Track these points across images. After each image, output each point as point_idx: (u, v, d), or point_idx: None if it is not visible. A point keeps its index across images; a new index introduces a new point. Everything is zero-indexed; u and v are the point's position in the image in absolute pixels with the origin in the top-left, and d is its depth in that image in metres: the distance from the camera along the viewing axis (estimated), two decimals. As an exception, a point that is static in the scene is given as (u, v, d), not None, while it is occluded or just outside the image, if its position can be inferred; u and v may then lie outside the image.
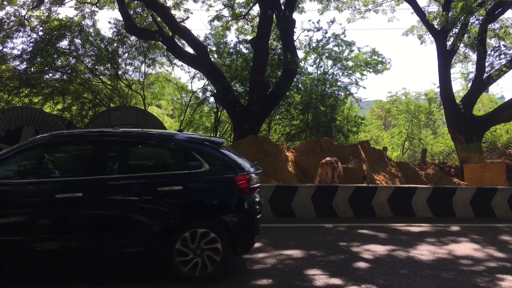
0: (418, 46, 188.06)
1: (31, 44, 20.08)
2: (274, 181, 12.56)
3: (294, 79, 19.04)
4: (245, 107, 17.00)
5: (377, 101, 33.69)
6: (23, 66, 20.00)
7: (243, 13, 21.23)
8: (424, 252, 6.46)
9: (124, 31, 19.55)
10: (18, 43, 42.12)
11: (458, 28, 17.07)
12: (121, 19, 18.47)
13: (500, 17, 18.26)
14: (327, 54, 21.60)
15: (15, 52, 20.68)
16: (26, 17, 20.07)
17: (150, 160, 5.90)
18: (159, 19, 17.99)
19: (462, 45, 18.92)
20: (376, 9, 21.96)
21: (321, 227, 8.36)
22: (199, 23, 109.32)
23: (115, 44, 21.25)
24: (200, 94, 22.79)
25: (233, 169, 5.34)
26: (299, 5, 20.53)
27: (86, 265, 5.27)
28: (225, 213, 5.22)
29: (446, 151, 26.99)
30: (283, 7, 17.59)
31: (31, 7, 19.93)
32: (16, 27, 19.91)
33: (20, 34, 20.16)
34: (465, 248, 6.80)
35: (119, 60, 21.61)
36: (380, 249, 6.54)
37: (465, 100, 18.13)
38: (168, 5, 18.66)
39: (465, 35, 17.50)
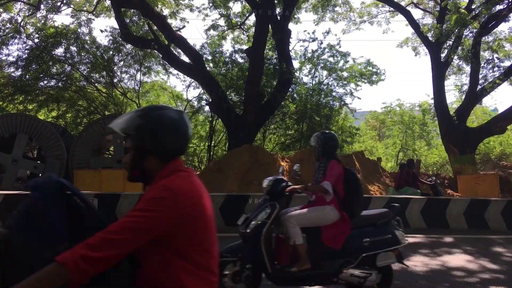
0: (413, 57, 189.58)
1: (26, 51, 20.07)
2: (269, 191, 12.54)
3: (289, 89, 19.10)
4: (240, 116, 17.02)
5: (372, 112, 33.84)
6: (18, 73, 19.96)
7: (239, 23, 21.34)
8: (418, 263, 6.45)
9: (120, 39, 19.58)
10: (14, 50, 42.20)
11: (452, 40, 17.22)
12: (117, 27, 18.50)
13: (494, 30, 18.48)
14: (322, 65, 21.69)
15: (10, 58, 20.68)
16: (21, 24, 20.08)
17: None
18: (155, 27, 18.04)
19: (456, 57, 19.08)
20: (371, 20, 22.18)
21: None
22: (195, 32, 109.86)
23: (111, 52, 21.26)
24: (195, 103, 22.79)
25: None
26: (295, 16, 20.68)
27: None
28: None
29: (440, 162, 27.10)
30: (279, 17, 17.70)
31: (27, 14, 19.95)
32: (11, 34, 19.91)
33: (16, 41, 20.18)
34: (458, 259, 6.80)
35: (115, 68, 21.62)
36: (374, 260, 6.52)
37: (458, 112, 18.24)
38: (164, 14, 18.76)
39: (459, 48, 17.65)
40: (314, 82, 21.89)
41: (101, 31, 41.47)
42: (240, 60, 20.48)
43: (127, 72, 22.27)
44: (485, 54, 19.89)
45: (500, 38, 19.07)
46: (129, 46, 20.76)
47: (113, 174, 12.81)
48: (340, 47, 24.58)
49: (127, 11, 18.57)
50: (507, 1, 15.93)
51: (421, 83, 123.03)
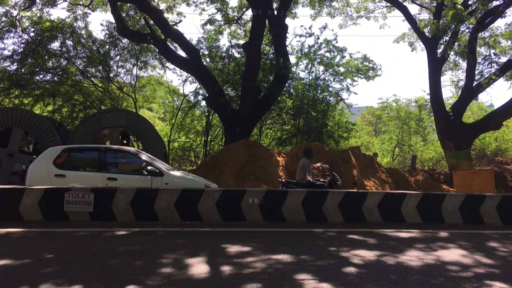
0: (409, 53, 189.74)
1: (22, 45, 20.00)
2: (265, 186, 12.57)
3: (286, 84, 19.10)
4: (237, 111, 17.01)
5: (368, 107, 33.90)
6: (14, 67, 19.90)
7: (236, 18, 21.29)
8: (413, 257, 6.47)
9: (116, 33, 19.51)
10: (9, 44, 41.96)
11: (449, 36, 17.26)
12: (114, 21, 18.42)
13: (490, 26, 18.52)
14: (318, 60, 21.71)
15: (6, 52, 20.61)
16: (17, 17, 19.96)
17: None
18: (151, 22, 17.98)
19: (452, 53, 19.12)
20: (368, 15, 22.19)
21: (311, 232, 8.35)
22: (191, 27, 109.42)
23: (107, 47, 21.20)
24: (192, 98, 22.80)
25: None
26: (292, 11, 20.66)
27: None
28: None
29: (436, 157, 27.20)
30: (276, 12, 17.67)
31: (22, 7, 19.82)
32: (7, 28, 19.80)
33: (11, 34, 20.10)
34: (453, 254, 6.83)
35: (111, 62, 21.55)
36: (369, 255, 6.55)
37: (454, 107, 18.29)
38: (161, 8, 18.69)
39: (456, 43, 17.68)
40: (310, 77, 21.93)
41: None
42: (236, 55, 20.48)
43: (123, 66, 22.25)
44: (482, 50, 19.97)
45: (496, 34, 19.11)
46: (125, 40, 20.69)
47: (109, 168, 12.76)
48: (336, 42, 24.63)
49: (124, 5, 18.49)
50: (503, -3, 15.96)
51: (417, 78, 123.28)
